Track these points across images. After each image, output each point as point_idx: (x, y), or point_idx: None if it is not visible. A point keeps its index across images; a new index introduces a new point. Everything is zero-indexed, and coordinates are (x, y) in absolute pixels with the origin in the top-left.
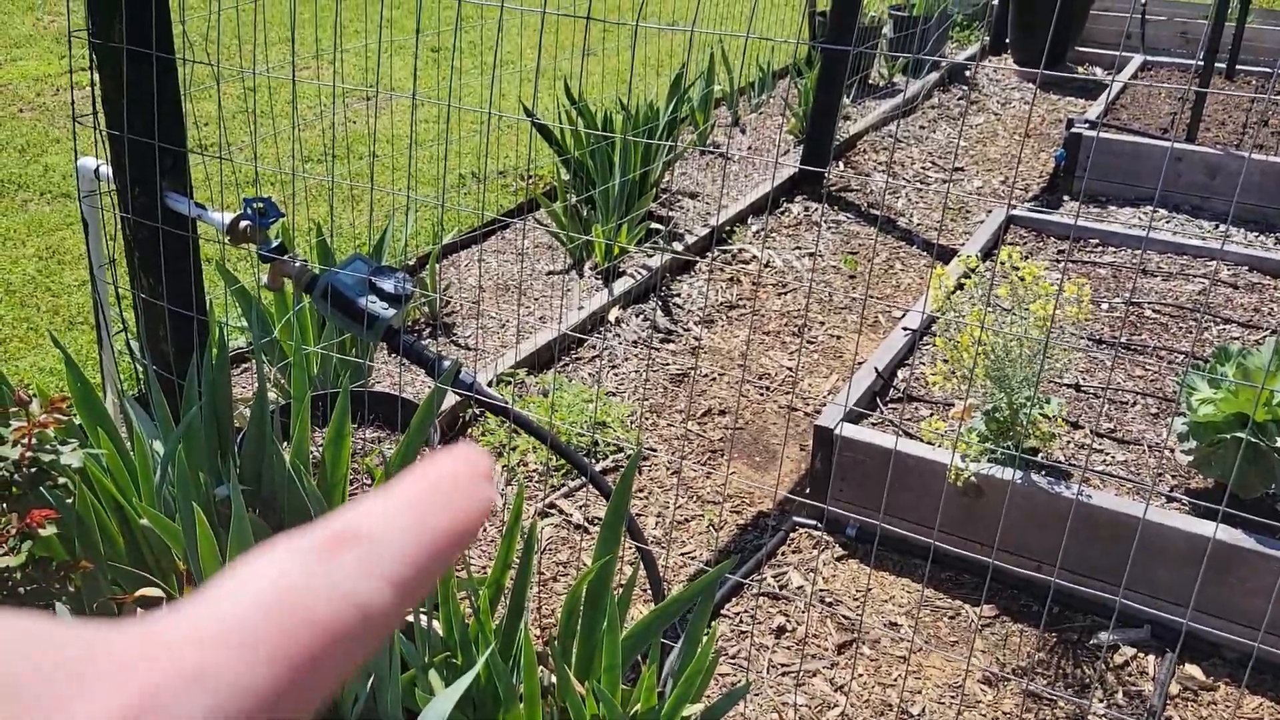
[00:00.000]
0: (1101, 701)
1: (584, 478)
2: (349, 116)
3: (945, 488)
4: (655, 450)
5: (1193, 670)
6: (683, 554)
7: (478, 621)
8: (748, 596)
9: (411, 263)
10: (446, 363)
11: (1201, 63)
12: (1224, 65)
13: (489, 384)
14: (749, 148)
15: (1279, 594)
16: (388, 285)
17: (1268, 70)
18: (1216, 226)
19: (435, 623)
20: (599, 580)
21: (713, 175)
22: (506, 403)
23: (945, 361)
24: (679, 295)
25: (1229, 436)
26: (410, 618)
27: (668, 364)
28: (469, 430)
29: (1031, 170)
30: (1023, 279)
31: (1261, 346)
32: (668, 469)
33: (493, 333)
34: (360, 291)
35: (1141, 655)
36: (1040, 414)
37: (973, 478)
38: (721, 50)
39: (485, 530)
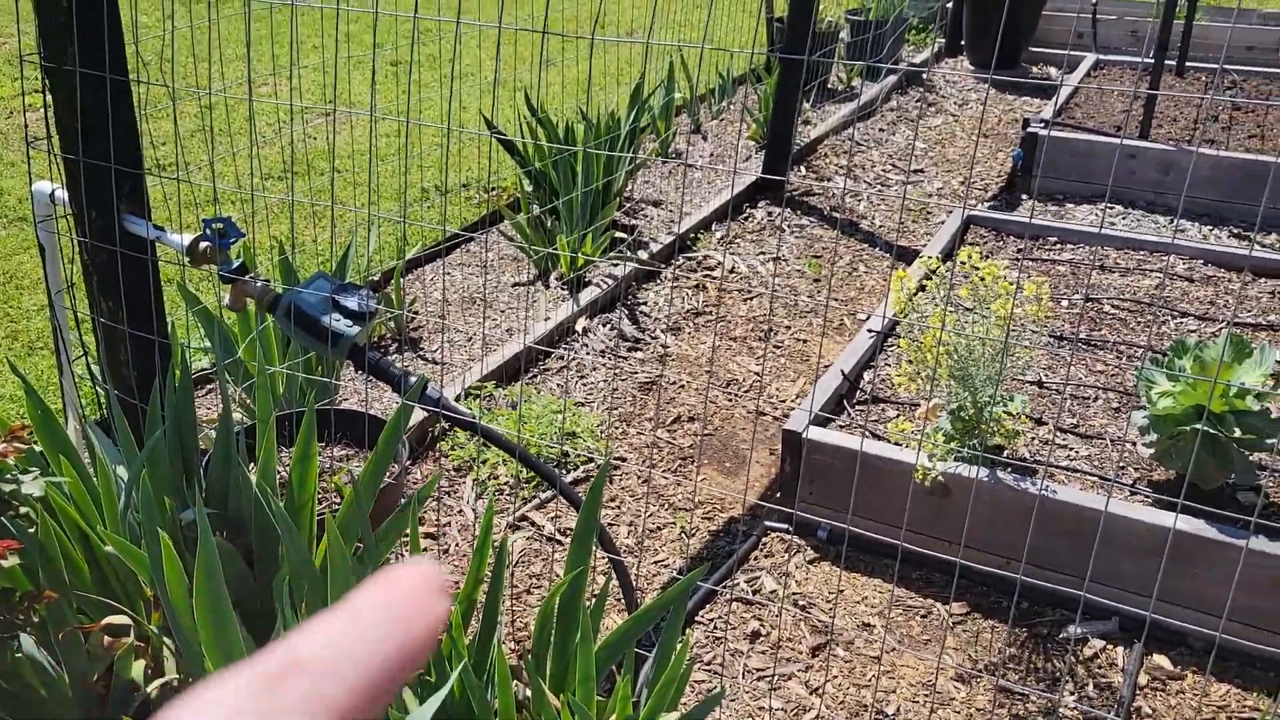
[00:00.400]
0: (1072, 694)
1: (554, 489)
2: (309, 133)
3: (913, 488)
4: (625, 459)
5: (1161, 660)
6: (655, 562)
7: (450, 638)
8: (721, 602)
9: (376, 278)
10: (413, 379)
11: (1152, 60)
12: (1174, 63)
13: (457, 398)
14: (711, 155)
15: (1240, 582)
16: (351, 302)
17: (1215, 66)
18: (1172, 221)
19: None
20: (571, 592)
21: (675, 183)
22: (474, 417)
23: (909, 363)
24: (645, 304)
25: (1188, 428)
26: None
27: (636, 372)
28: (438, 445)
29: (990, 170)
30: (983, 279)
31: (1217, 339)
32: (639, 477)
33: (460, 346)
34: (324, 310)
35: (1110, 647)
36: (1004, 412)
37: (939, 477)
38: (680, 58)
39: (458, 544)
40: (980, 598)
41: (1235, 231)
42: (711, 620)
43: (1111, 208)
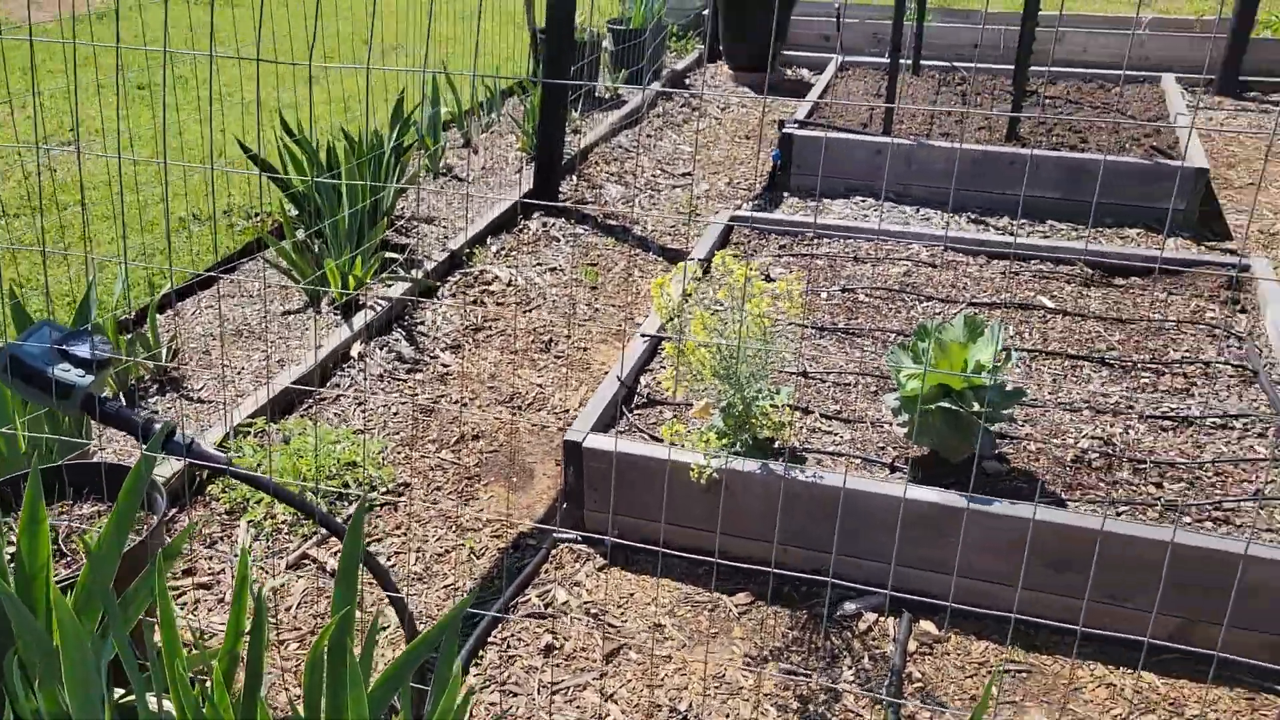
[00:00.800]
0: (850, 668)
1: (317, 523)
2: (50, 164)
3: (692, 486)
4: (410, 484)
5: (927, 626)
6: (445, 587)
7: (211, 702)
8: (514, 620)
9: (130, 317)
10: (156, 425)
11: (888, 61)
12: (910, 62)
13: (226, 437)
14: (483, 168)
15: (988, 545)
16: (83, 350)
17: (947, 64)
18: (918, 210)
19: (168, 703)
20: (339, 633)
21: (448, 198)
22: (229, 459)
23: (675, 366)
24: (423, 323)
25: (934, 406)
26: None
27: (417, 394)
28: (208, 488)
29: (753, 170)
30: (736, 280)
31: (954, 321)
32: (425, 501)
33: (229, 382)
34: (49, 360)
35: (883, 619)
36: (770, 405)
37: (714, 474)
38: (445, 73)
39: (223, 597)
40: (763, 585)
41: (973, 217)
42: (505, 639)
43: (864, 200)
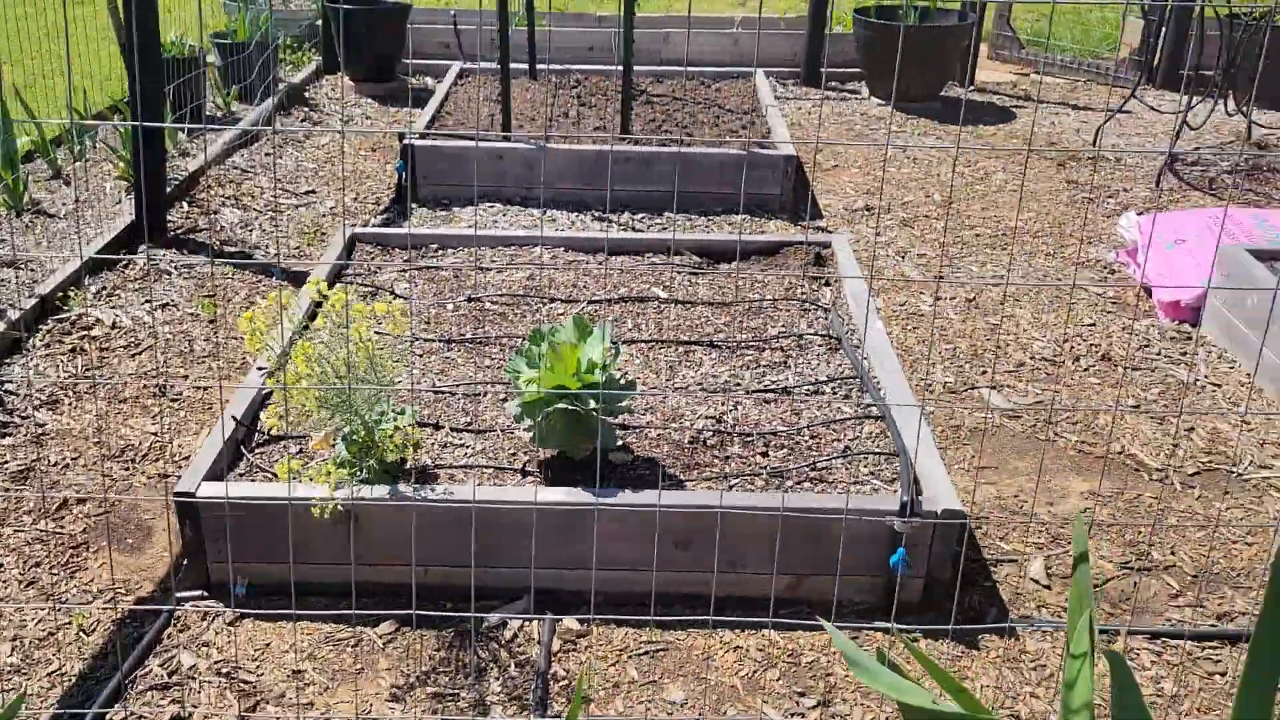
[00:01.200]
0: (498, 679)
1: None
2: None
3: (323, 521)
4: (3, 565)
5: (570, 624)
6: (51, 674)
7: None
8: (134, 696)
9: None
10: None
11: (519, 65)
12: (527, 66)
13: None
14: (78, 201)
15: (620, 535)
16: None
17: (562, 67)
18: (545, 212)
19: None
20: None
21: (36, 237)
22: None
23: (281, 402)
24: (10, 380)
25: (553, 409)
26: None
27: (6, 461)
28: None
29: (380, 184)
30: (334, 307)
31: (564, 323)
32: (20, 582)
33: None
34: None
35: (527, 624)
36: (395, 426)
37: (340, 506)
38: (17, 95)
39: None
40: (407, 611)
41: (598, 214)
42: None
43: (493, 206)
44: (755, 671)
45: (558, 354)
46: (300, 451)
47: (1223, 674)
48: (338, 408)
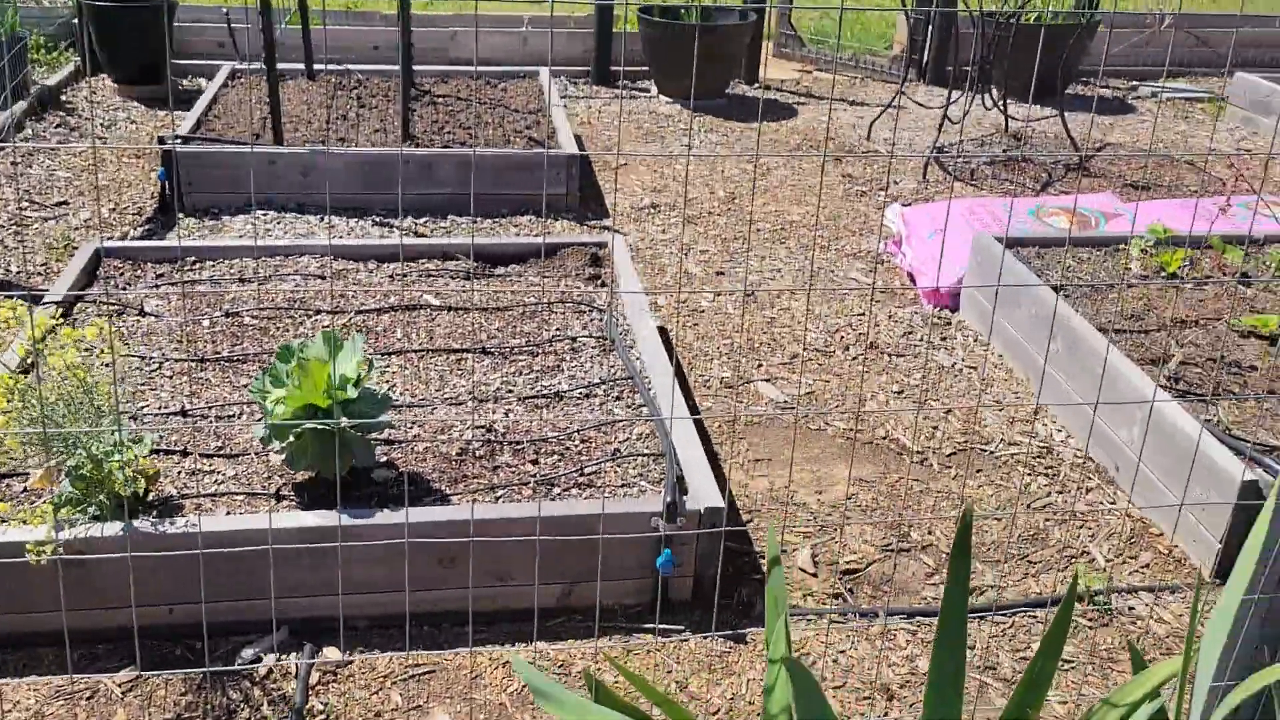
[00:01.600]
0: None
1: None
2: None
3: (46, 566)
4: None
5: (330, 652)
6: None
7: None
8: None
9: None
10: None
11: (298, 66)
12: (304, 66)
13: None
14: None
15: (380, 557)
16: None
17: (342, 68)
18: (322, 219)
19: None
20: None
21: None
22: None
23: None
24: None
25: (305, 429)
26: None
27: None
28: None
29: (143, 193)
30: (38, 334)
31: (314, 338)
32: None
33: None
34: None
35: (284, 657)
36: (130, 457)
37: (60, 549)
38: None
39: None
40: (154, 654)
41: (378, 219)
42: None
43: (266, 214)
44: (525, 687)
45: (306, 371)
46: (23, 492)
47: (972, 647)
48: (50, 443)
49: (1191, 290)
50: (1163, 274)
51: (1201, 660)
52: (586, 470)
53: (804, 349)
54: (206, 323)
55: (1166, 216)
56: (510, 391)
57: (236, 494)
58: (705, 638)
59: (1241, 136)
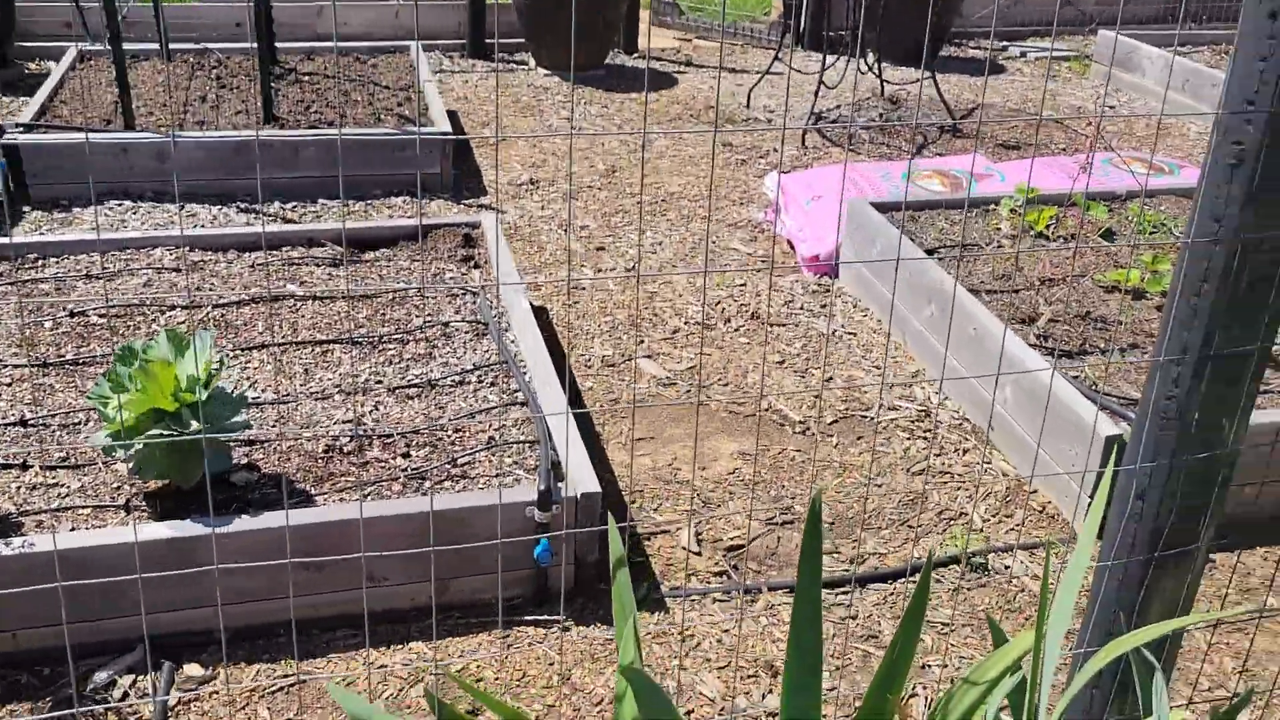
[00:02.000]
0: None
1: None
2: None
3: None
4: None
5: (192, 669)
6: None
7: None
8: None
9: None
10: None
11: (153, 45)
12: (159, 46)
13: None
14: None
15: (242, 565)
16: None
17: (198, 46)
18: (182, 208)
19: None
20: None
21: None
22: None
23: None
24: None
25: (151, 435)
26: None
27: None
28: None
29: None
30: None
31: (157, 338)
32: None
33: None
34: None
35: (141, 677)
36: None
37: None
38: None
39: None
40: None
41: (243, 206)
42: None
43: (121, 204)
44: (400, 690)
45: (149, 373)
46: None
47: (854, 618)
48: None
49: (1057, 247)
50: (1031, 232)
51: (1050, 631)
52: (460, 461)
53: (685, 323)
54: (49, 324)
55: (1034, 176)
56: (380, 382)
57: (83, 508)
58: (588, 627)
59: (1105, 93)
